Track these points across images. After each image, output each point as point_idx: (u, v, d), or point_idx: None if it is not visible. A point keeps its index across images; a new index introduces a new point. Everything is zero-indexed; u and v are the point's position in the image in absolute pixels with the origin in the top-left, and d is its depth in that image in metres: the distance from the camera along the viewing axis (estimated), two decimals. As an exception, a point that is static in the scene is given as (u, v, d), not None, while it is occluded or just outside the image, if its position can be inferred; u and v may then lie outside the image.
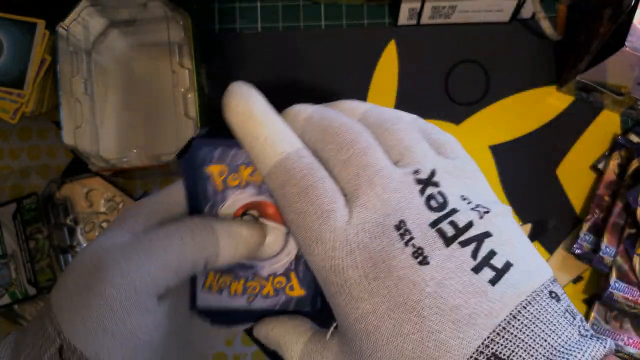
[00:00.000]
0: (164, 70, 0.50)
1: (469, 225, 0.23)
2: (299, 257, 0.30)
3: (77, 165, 0.53)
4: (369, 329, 0.23)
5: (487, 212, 0.25)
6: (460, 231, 0.23)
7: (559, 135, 0.54)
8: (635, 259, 0.49)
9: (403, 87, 0.55)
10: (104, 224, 0.52)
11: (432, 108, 0.55)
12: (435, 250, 0.23)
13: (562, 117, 0.54)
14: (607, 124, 0.54)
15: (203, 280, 0.30)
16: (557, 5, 0.54)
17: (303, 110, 0.29)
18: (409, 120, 0.27)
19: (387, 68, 0.55)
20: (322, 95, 0.55)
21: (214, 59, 0.55)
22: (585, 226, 0.52)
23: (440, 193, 0.25)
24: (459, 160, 0.27)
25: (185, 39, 0.48)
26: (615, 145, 0.53)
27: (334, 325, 0.27)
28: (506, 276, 0.22)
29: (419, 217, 0.23)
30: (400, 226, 0.23)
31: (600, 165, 0.53)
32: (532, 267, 0.24)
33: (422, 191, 0.24)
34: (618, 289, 0.49)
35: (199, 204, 0.29)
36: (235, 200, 0.29)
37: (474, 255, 0.23)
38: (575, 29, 0.54)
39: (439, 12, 0.53)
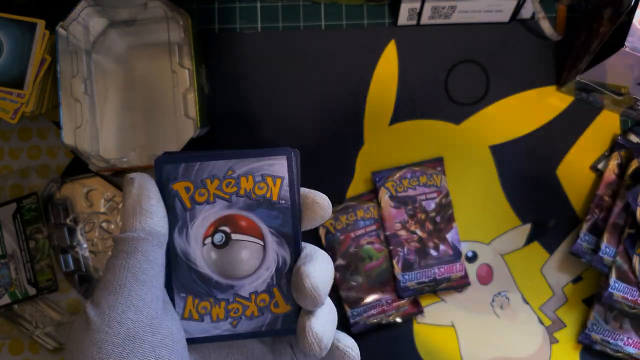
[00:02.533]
0: (164, 71, 0.50)
1: None
2: (279, 271, 0.29)
3: (77, 165, 0.53)
4: None
5: None
6: None
7: (558, 135, 0.54)
8: (635, 259, 0.49)
9: (403, 87, 0.55)
10: (104, 224, 0.52)
11: (432, 108, 0.55)
12: None
13: (561, 117, 0.54)
14: (606, 124, 0.54)
15: (182, 309, 0.28)
16: (557, 6, 0.54)
17: None
18: None
19: (387, 68, 0.55)
20: (322, 95, 0.55)
21: (214, 59, 0.55)
22: (585, 226, 0.52)
23: None
24: None
25: (185, 39, 0.48)
26: (614, 146, 0.53)
27: None
28: None
29: None
30: None
31: (600, 166, 0.53)
32: None
33: None
34: (618, 289, 0.49)
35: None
36: (205, 217, 0.28)
37: None
38: (575, 29, 0.54)
39: (438, 13, 0.53)
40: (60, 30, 0.47)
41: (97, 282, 0.27)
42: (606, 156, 0.53)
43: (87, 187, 0.52)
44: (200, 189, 0.28)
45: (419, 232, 0.53)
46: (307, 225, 0.30)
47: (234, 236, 0.28)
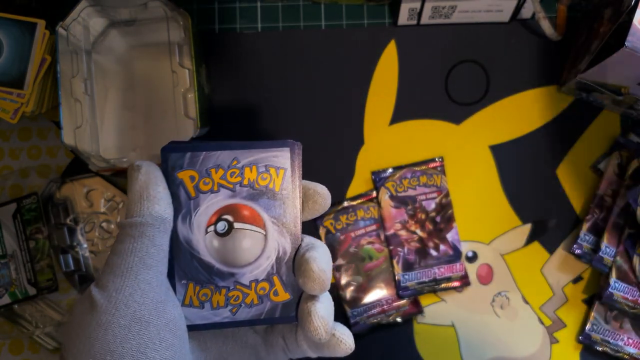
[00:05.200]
0: (164, 70, 0.50)
1: None
2: (280, 260, 0.29)
3: (77, 165, 0.53)
4: None
5: None
6: None
7: (559, 135, 0.54)
8: (635, 259, 0.49)
9: (403, 87, 0.55)
10: (104, 224, 0.52)
11: (432, 108, 0.55)
12: None
13: (562, 117, 0.54)
14: (607, 124, 0.54)
15: (182, 296, 0.29)
16: (557, 5, 0.54)
17: None
18: None
19: (387, 68, 0.55)
20: (322, 95, 0.55)
21: (214, 59, 0.55)
22: (585, 226, 0.52)
23: None
24: None
25: (185, 39, 0.48)
26: (615, 145, 0.53)
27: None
28: None
29: None
30: None
31: (600, 165, 0.53)
32: None
33: None
34: (618, 289, 0.49)
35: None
36: (209, 205, 0.29)
37: None
38: (575, 29, 0.54)
39: (439, 12, 0.53)
40: (61, 30, 0.47)
41: (102, 266, 0.27)
42: (606, 156, 0.53)
43: (87, 187, 0.52)
44: (204, 178, 0.29)
45: (419, 232, 0.53)
46: (307, 216, 0.30)
47: (236, 225, 0.29)
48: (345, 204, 0.53)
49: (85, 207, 0.52)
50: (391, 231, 0.53)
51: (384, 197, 0.53)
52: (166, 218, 0.28)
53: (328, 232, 0.53)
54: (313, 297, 0.29)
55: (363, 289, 0.53)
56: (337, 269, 0.53)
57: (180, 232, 0.29)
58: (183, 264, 0.29)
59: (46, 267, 0.52)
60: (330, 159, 0.54)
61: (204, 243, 0.29)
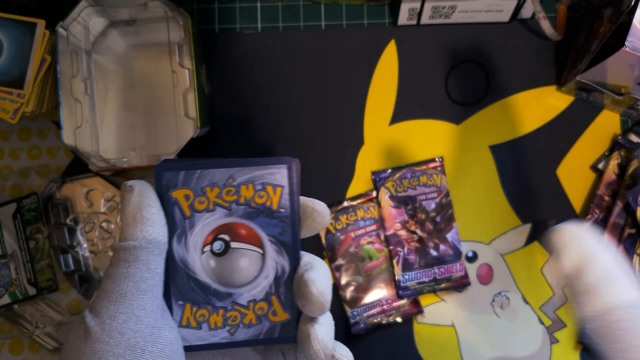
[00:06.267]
0: (164, 70, 0.50)
1: None
2: (278, 279, 0.29)
3: (77, 165, 0.53)
4: None
5: None
6: None
7: (559, 135, 0.54)
8: (635, 259, 0.49)
9: (403, 87, 0.55)
10: (104, 224, 0.52)
11: (432, 108, 0.55)
12: None
13: (562, 117, 0.54)
14: (606, 124, 0.54)
15: (180, 316, 0.28)
16: (557, 5, 0.54)
17: None
18: None
19: (387, 68, 0.55)
20: (322, 95, 0.55)
21: (214, 59, 0.55)
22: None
23: None
24: None
25: (185, 39, 0.48)
26: (615, 145, 0.53)
27: None
28: None
29: None
30: None
31: (600, 165, 0.53)
32: None
33: None
34: (618, 289, 0.49)
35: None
36: (205, 224, 0.28)
37: None
38: (575, 29, 0.54)
39: (439, 12, 0.53)
40: (60, 30, 0.47)
41: (96, 291, 0.27)
42: (606, 156, 0.53)
43: (87, 187, 0.52)
44: (200, 197, 0.28)
45: (419, 232, 0.53)
46: (305, 234, 0.30)
47: (233, 244, 0.28)
48: (345, 204, 0.53)
49: (85, 207, 0.52)
50: (391, 231, 0.53)
51: (384, 197, 0.53)
52: (160, 240, 0.27)
53: (328, 232, 0.53)
54: (312, 319, 0.28)
55: (363, 289, 0.53)
56: (337, 269, 0.53)
57: (175, 252, 0.28)
58: (179, 285, 0.28)
59: (46, 267, 0.52)
60: (330, 159, 0.54)
61: (201, 263, 0.28)
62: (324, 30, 0.55)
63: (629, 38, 0.43)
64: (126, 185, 0.28)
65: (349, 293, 0.52)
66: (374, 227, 0.53)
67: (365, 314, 0.52)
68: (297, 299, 0.28)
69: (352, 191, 0.54)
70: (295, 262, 0.29)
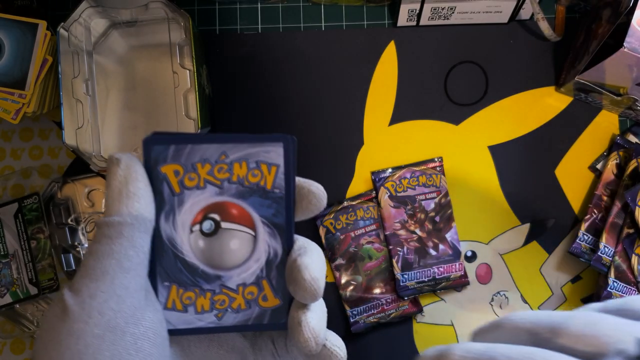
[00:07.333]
0: (165, 71, 0.50)
1: None
2: (270, 263, 0.27)
3: (79, 165, 0.53)
4: None
5: None
6: None
7: (557, 135, 0.55)
8: (634, 259, 0.50)
9: (403, 88, 0.55)
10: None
11: (431, 108, 0.55)
12: None
13: (560, 118, 0.55)
14: (605, 125, 0.55)
15: (165, 298, 0.27)
16: (556, 6, 0.54)
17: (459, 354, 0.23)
18: (581, 313, 0.23)
19: (387, 69, 0.55)
20: (322, 96, 0.55)
21: (215, 60, 0.55)
22: (584, 226, 0.52)
23: None
24: None
25: (186, 39, 0.48)
26: (613, 146, 0.53)
27: None
28: None
29: None
30: None
31: (599, 166, 0.53)
32: None
33: None
34: (616, 288, 0.49)
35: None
36: (194, 202, 0.26)
37: None
38: (574, 30, 0.54)
39: (438, 13, 0.53)
40: (62, 31, 0.47)
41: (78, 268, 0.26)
42: (605, 156, 0.53)
43: (88, 187, 0.53)
44: (190, 173, 0.26)
45: (418, 232, 0.53)
46: (301, 216, 0.28)
47: (223, 224, 0.27)
48: (345, 203, 0.54)
49: (86, 207, 0.53)
50: (391, 231, 0.53)
51: (384, 197, 0.53)
52: (147, 217, 0.25)
53: (328, 231, 0.53)
54: (304, 306, 0.27)
55: (363, 289, 0.53)
56: (336, 268, 0.53)
57: (163, 231, 0.27)
58: (166, 265, 0.27)
59: (47, 266, 0.52)
60: (330, 159, 0.55)
61: (189, 243, 0.27)
62: (324, 31, 0.56)
63: (627, 39, 0.43)
64: (112, 158, 0.26)
65: (348, 292, 0.53)
66: (373, 227, 0.53)
67: (365, 314, 0.52)
68: (289, 285, 0.27)
69: (352, 191, 0.55)
70: (288, 245, 0.27)
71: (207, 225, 0.27)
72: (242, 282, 0.27)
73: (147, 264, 0.26)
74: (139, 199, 0.25)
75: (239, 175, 0.27)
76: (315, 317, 0.27)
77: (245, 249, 0.27)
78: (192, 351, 0.29)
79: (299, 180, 0.28)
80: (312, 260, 0.26)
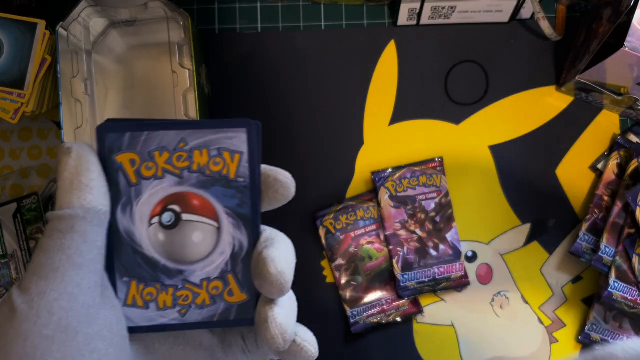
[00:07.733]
0: (164, 71, 0.50)
1: None
2: (235, 256, 0.26)
3: (78, 165, 0.53)
4: None
5: None
6: None
7: (558, 135, 0.54)
8: (635, 259, 0.49)
9: (403, 87, 0.55)
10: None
11: (431, 108, 0.55)
12: None
13: (561, 118, 0.55)
14: (606, 124, 0.54)
15: (125, 295, 0.26)
16: (557, 6, 0.54)
17: None
18: None
19: (387, 68, 0.55)
20: (322, 95, 0.55)
21: (215, 60, 0.55)
22: (585, 226, 0.52)
23: None
24: None
25: (185, 39, 0.48)
26: (614, 145, 0.53)
27: None
28: None
29: None
30: None
31: (600, 165, 0.53)
32: None
33: None
34: (617, 288, 0.49)
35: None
36: (153, 193, 0.25)
37: None
38: (575, 30, 0.54)
39: (438, 13, 0.53)
40: (61, 31, 0.47)
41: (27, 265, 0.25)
42: (606, 156, 0.53)
43: (87, 187, 0.52)
44: (147, 162, 0.25)
45: (418, 232, 0.53)
46: (267, 207, 0.27)
47: (184, 216, 0.25)
48: (345, 203, 0.53)
49: (85, 207, 0.52)
50: (391, 231, 0.53)
51: (384, 197, 0.53)
52: (100, 210, 0.24)
53: (328, 232, 0.53)
54: (272, 301, 0.26)
55: (363, 289, 0.53)
56: (337, 268, 0.53)
57: (120, 224, 0.25)
58: (124, 260, 0.25)
59: (46, 267, 0.52)
60: (330, 159, 0.54)
61: (148, 236, 0.25)
62: (324, 31, 0.55)
63: (628, 38, 0.43)
64: (63, 147, 0.24)
65: (348, 293, 0.53)
66: (373, 227, 0.53)
67: (365, 314, 0.52)
68: (255, 279, 0.26)
69: (352, 191, 0.54)
70: (254, 237, 0.26)
71: (167, 217, 0.25)
72: (207, 276, 0.26)
73: (103, 260, 0.25)
74: (92, 190, 0.24)
75: (199, 164, 0.25)
76: (282, 313, 0.26)
77: (208, 242, 0.26)
78: (156, 349, 0.27)
79: (264, 168, 0.26)
80: (279, 253, 0.25)
